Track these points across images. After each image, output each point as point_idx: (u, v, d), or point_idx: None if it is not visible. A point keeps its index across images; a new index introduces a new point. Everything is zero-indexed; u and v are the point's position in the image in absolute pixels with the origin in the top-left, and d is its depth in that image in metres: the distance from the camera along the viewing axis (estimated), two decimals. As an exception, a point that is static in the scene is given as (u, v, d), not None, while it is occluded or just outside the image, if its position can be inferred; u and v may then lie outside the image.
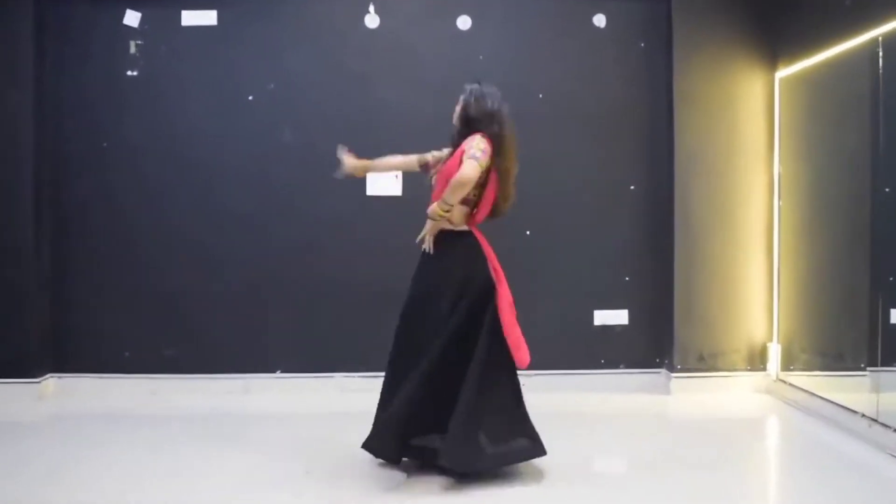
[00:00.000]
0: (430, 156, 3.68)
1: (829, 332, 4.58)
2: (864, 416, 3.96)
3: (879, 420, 3.84)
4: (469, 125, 3.44)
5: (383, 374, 4.61)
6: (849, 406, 4.11)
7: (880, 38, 3.90)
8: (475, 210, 3.47)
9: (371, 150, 4.59)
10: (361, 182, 4.82)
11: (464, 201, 3.40)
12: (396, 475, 3.45)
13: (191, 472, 3.52)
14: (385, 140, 4.78)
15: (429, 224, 3.41)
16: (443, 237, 3.44)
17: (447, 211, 3.32)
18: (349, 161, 3.73)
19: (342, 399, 4.80)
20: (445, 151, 3.58)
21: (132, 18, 4.93)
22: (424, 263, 3.49)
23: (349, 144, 4.65)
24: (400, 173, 4.84)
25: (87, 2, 4.93)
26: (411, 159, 3.75)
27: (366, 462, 3.57)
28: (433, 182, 3.53)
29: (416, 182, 4.37)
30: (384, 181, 4.87)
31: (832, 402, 4.26)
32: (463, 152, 3.33)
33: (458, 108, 3.50)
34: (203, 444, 3.93)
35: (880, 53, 3.91)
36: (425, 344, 3.32)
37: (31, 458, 3.72)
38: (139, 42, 4.95)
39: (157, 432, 4.15)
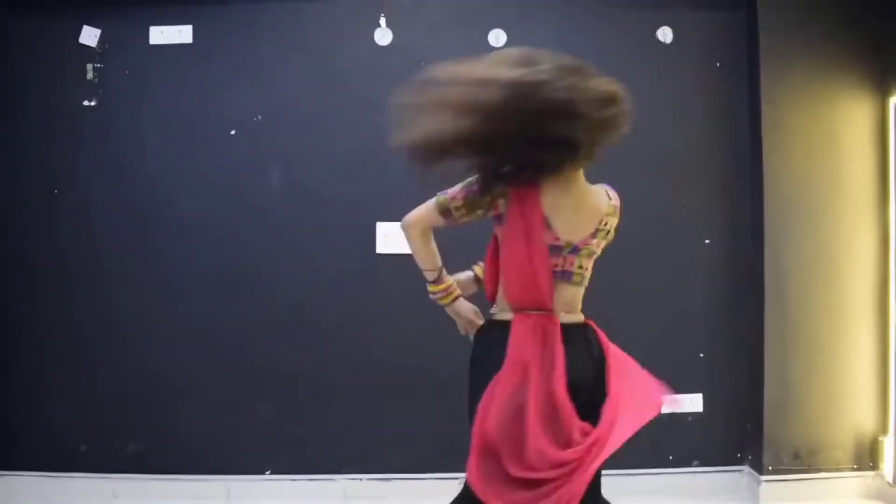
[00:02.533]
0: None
1: None
2: None
3: None
4: None
5: (395, 475, 4.23)
6: None
7: None
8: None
9: (383, 193, 4.17)
10: (370, 237, 4.20)
11: None
12: None
13: None
14: (400, 181, 4.06)
15: None
16: None
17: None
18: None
19: None
20: None
21: (89, 36, 4.25)
22: None
23: (353, 188, 4.22)
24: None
25: (34, 16, 4.29)
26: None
27: None
28: None
29: (443, 235, 3.57)
30: (401, 235, 4.08)
31: None
32: None
33: None
34: None
35: None
36: None
37: None
38: (98, 65, 4.26)
39: None
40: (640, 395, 2.47)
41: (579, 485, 2.19)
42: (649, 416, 2.37)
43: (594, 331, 2.48)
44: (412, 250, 2.55)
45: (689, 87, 4.29)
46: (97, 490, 4.16)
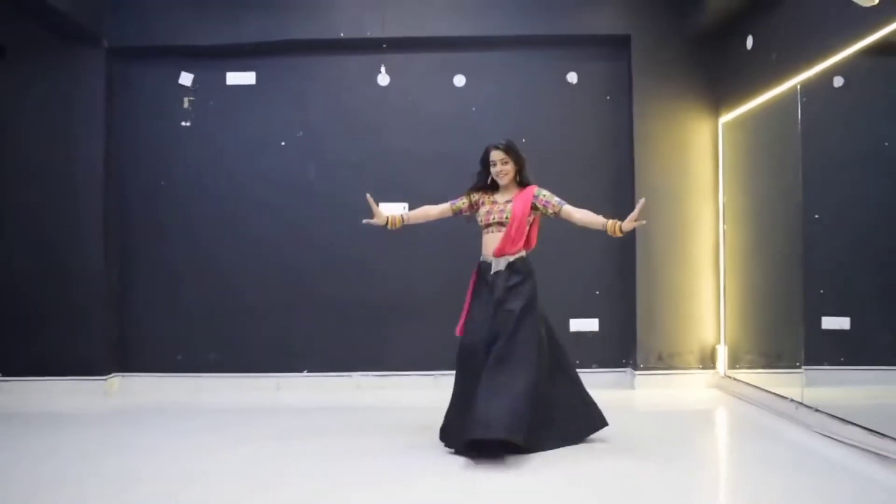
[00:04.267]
0: (462, 203, 3.92)
1: (768, 336, 4.90)
2: (792, 400, 4.32)
3: (804, 403, 4.17)
4: (520, 166, 3.82)
5: (393, 373, 5.21)
6: (782, 394, 4.45)
7: (799, 87, 4.30)
8: (528, 239, 3.90)
9: (382, 184, 5.26)
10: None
11: (522, 234, 3.81)
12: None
13: (230, 447, 3.85)
14: (393, 176, 5.38)
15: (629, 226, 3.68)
16: (519, 261, 3.80)
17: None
18: (380, 218, 3.92)
19: (358, 395, 5.26)
20: (470, 198, 3.91)
21: (186, 79, 5.51)
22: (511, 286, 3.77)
23: (363, 181, 5.25)
24: (406, 205, 5.32)
25: (149, 64, 5.52)
26: (444, 208, 3.97)
27: (370, 445, 3.84)
28: (493, 220, 3.78)
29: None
30: (394, 211, 5.09)
31: (769, 393, 4.62)
32: (534, 196, 3.77)
33: (501, 164, 3.77)
34: (238, 430, 4.23)
35: (799, 99, 4.29)
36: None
37: (101, 437, 4.15)
38: (191, 98, 5.49)
39: (203, 420, 4.52)
40: None
41: None
42: None
43: None
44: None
45: (589, 112, 5.47)
46: (188, 386, 5.32)
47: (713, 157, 5.31)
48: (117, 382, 5.33)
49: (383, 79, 5.36)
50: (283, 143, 5.38)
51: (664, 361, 5.27)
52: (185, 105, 5.38)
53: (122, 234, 5.39)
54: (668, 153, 5.30)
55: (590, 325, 5.38)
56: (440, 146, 5.25)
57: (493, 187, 3.87)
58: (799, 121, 4.22)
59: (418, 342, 5.19)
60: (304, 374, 5.35)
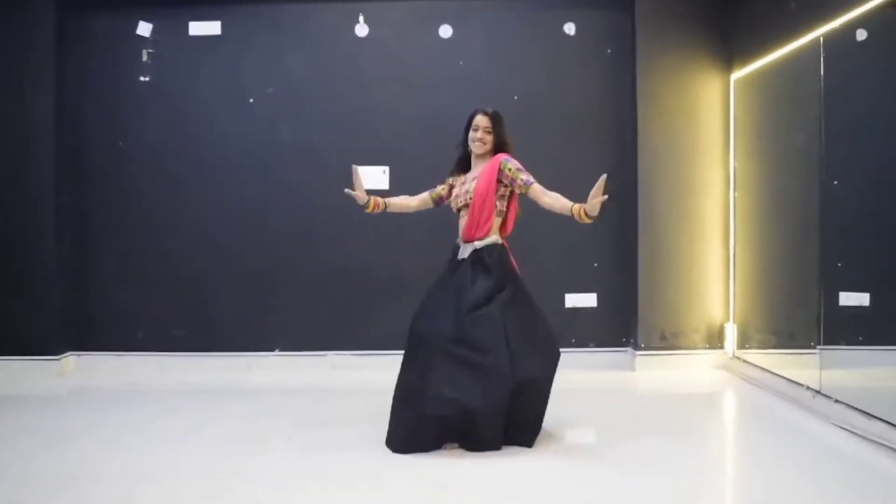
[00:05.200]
0: (441, 189, 3.80)
1: (780, 314, 4.74)
2: (808, 388, 4.13)
3: (822, 392, 4.00)
4: (500, 147, 3.63)
5: (371, 352, 5.06)
6: (796, 380, 4.28)
7: (822, 39, 4.06)
8: (505, 222, 3.68)
9: (362, 146, 5.08)
10: (351, 176, 4.98)
11: (497, 213, 3.60)
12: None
13: (192, 438, 3.70)
14: (374, 137, 5.17)
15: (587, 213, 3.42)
16: (486, 250, 3.57)
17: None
18: (362, 195, 3.75)
19: (334, 375, 5.09)
20: (448, 182, 3.78)
21: (144, 29, 5.24)
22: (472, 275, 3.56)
23: (340, 143, 5.10)
24: (388, 169, 5.13)
25: (104, 14, 5.25)
26: (424, 197, 3.83)
27: (343, 430, 3.76)
28: (461, 204, 3.62)
29: (403, 178, 4.73)
30: (374, 177, 5.11)
31: (782, 377, 4.44)
32: (499, 169, 3.54)
33: (484, 132, 3.59)
34: (208, 412, 4.15)
35: (821, 53, 4.06)
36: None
37: (51, 425, 3.96)
38: (151, 51, 5.24)
39: (164, 405, 4.36)
40: None
41: None
42: None
43: None
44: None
45: (587, 67, 5.24)
46: (150, 365, 5.14)
47: (723, 117, 5.11)
48: (72, 362, 5.15)
49: (361, 29, 5.14)
50: (251, 101, 5.18)
51: (667, 341, 5.09)
52: (144, 58, 5.15)
53: (75, 199, 5.17)
54: (674, 113, 5.09)
55: (587, 300, 5.20)
56: (424, 104, 5.09)
57: (469, 166, 3.71)
58: (822, 77, 3.99)
59: (400, 319, 4.50)
60: (277, 353, 5.19)
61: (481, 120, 3.58)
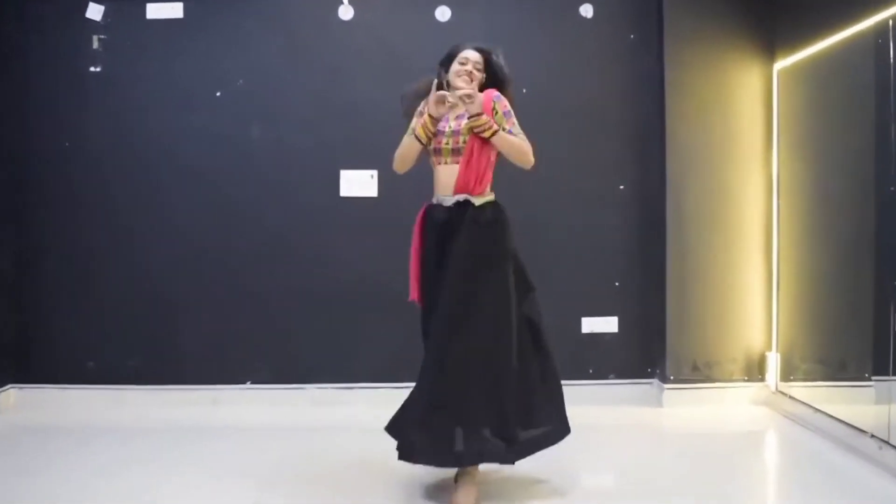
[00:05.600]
0: (414, 125, 3.30)
1: (831, 340, 4.41)
2: (873, 436, 3.72)
3: (892, 442, 3.58)
4: (496, 83, 3.31)
5: (358, 385, 4.83)
6: (855, 423, 3.89)
7: (891, 22, 3.66)
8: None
9: (346, 146, 4.79)
10: (334, 182, 4.80)
11: (490, 165, 3.25)
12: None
13: (150, 493, 3.42)
14: (360, 136, 4.85)
15: (476, 117, 3.10)
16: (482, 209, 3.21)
17: (486, 133, 3.12)
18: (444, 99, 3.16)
19: (315, 412, 4.74)
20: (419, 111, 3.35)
21: (95, 12, 4.86)
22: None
23: (320, 143, 4.82)
24: (376, 173, 4.81)
25: None
26: (410, 143, 3.30)
27: (327, 484, 3.49)
28: (445, 146, 3.21)
29: (394, 184, 4.33)
30: (359, 181, 4.80)
31: (836, 418, 4.08)
32: (493, 100, 3.22)
33: (473, 66, 3.26)
34: (165, 461, 3.87)
35: (890, 38, 3.66)
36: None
37: None
38: (102, 37, 4.86)
39: (119, 446, 4.10)
40: None
41: None
42: None
43: None
44: (508, 152, 3.19)
45: (607, 56, 4.88)
46: (102, 399, 4.77)
47: (765, 113, 4.78)
48: (13, 395, 4.80)
49: (346, 11, 4.80)
50: (218, 94, 4.82)
51: (700, 372, 4.76)
52: (95, 45, 4.79)
53: (17, 209, 4.82)
54: (708, 108, 4.75)
55: (607, 324, 4.88)
56: (419, 98, 4.78)
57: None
58: (890, 65, 3.60)
59: (392, 346, 4.69)
60: (248, 385, 4.84)
61: (472, 54, 3.27)
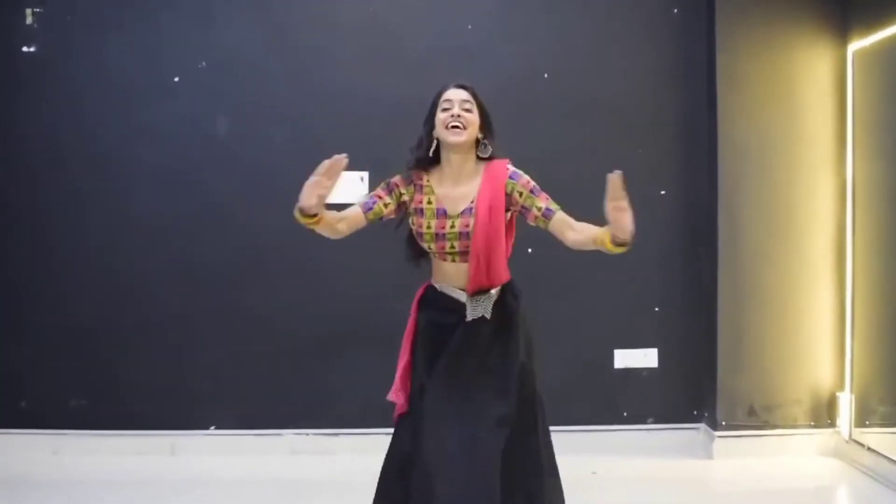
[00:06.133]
0: (384, 203, 2.85)
1: None
2: None
3: None
4: (484, 126, 2.89)
5: (343, 430, 4.53)
6: None
7: None
8: None
9: (331, 143, 4.21)
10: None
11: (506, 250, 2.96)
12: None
13: None
14: (348, 131, 4.55)
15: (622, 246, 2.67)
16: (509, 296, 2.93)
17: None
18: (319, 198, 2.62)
19: (293, 462, 4.51)
20: (397, 192, 2.87)
21: None
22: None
23: (300, 139, 4.47)
24: (367, 175, 4.42)
25: None
26: (355, 216, 2.83)
27: None
28: (449, 236, 2.80)
29: None
30: (346, 188, 4.33)
31: None
32: (508, 179, 2.83)
33: (461, 108, 2.82)
34: None
35: None
36: None
37: None
38: (37, 10, 4.54)
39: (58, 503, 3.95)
40: None
41: None
42: None
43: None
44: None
45: (645, 33, 4.56)
46: (38, 446, 4.43)
47: (838, 105, 4.44)
48: None
49: None
50: (176, 80, 4.47)
51: (758, 416, 4.42)
52: (29, 20, 4.45)
53: None
54: (768, 98, 4.43)
55: (645, 358, 4.57)
56: (418, 85, 3.94)
57: (431, 162, 2.89)
58: None
59: (384, 385, 4.19)
60: (212, 431, 4.49)
61: (455, 93, 2.82)
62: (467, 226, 2.75)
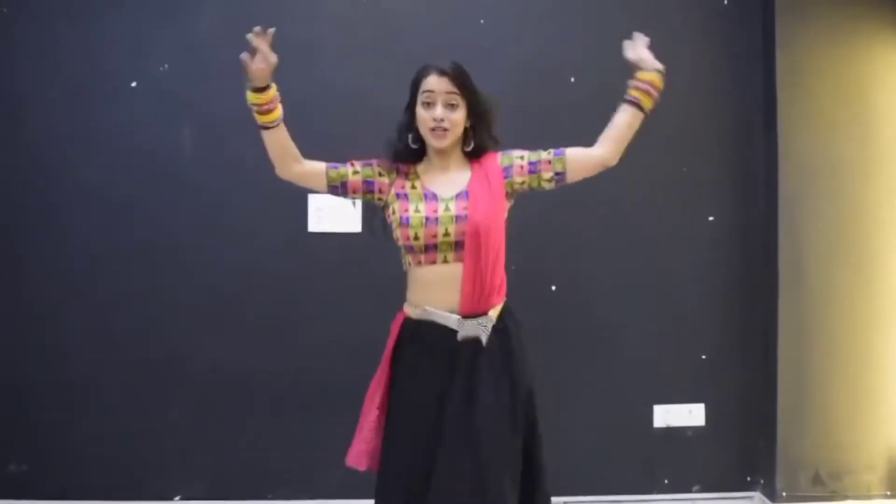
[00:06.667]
0: (354, 170, 2.80)
1: None
2: None
3: None
4: (477, 116, 2.75)
5: (326, 501, 4.19)
6: None
7: None
8: None
9: (322, 151, 3.89)
10: (301, 214, 4.11)
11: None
12: None
13: None
14: (342, 137, 3.96)
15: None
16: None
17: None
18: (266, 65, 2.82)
19: None
20: (374, 167, 2.80)
21: None
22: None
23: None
24: (360, 201, 3.98)
25: None
26: (317, 169, 2.84)
27: None
28: (435, 239, 2.64)
29: None
30: (335, 212, 4.12)
31: None
32: (504, 170, 2.73)
33: (445, 104, 2.67)
34: None
35: None
36: None
37: None
38: None
39: None
40: None
41: None
42: None
43: None
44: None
45: (693, 29, 4.21)
46: None
47: None
48: None
49: None
50: (133, 84, 4.02)
51: (824, 484, 4.01)
52: None
53: None
54: (837, 105, 4.05)
55: (690, 415, 4.17)
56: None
57: (415, 156, 2.78)
58: None
59: None
60: (177, 501, 4.06)
61: (436, 82, 2.67)
62: (465, 208, 2.58)
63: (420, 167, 2.73)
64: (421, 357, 2.68)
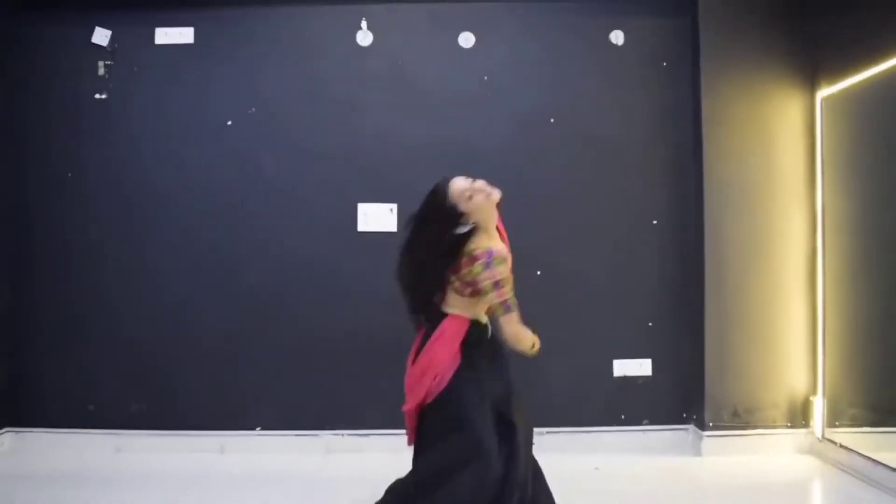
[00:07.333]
0: None
1: (881, 383, 4.44)
2: None
3: None
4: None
5: (373, 431, 4.79)
6: None
7: None
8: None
9: (364, 178, 4.80)
10: (351, 217, 4.81)
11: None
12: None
13: None
14: (379, 168, 4.88)
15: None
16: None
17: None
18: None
19: (329, 461, 4.75)
20: None
21: (101, 37, 4.90)
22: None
23: (336, 176, 4.87)
24: (395, 207, 4.84)
25: (52, 18, 4.91)
26: None
27: None
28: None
29: None
30: (379, 216, 4.81)
31: (888, 466, 4.09)
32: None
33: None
34: None
35: None
36: None
37: None
38: (108, 62, 4.91)
39: (118, 496, 4.08)
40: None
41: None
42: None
43: None
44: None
45: (638, 84, 4.88)
46: (102, 445, 4.78)
47: (809, 145, 4.77)
48: (7, 440, 4.80)
49: (364, 37, 4.83)
50: (229, 123, 4.83)
51: (740, 418, 4.70)
52: (101, 71, 4.83)
53: (14, 242, 4.84)
54: (747, 139, 4.75)
55: (640, 367, 4.87)
56: (440, 128, 4.81)
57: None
58: None
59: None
60: (257, 432, 4.80)
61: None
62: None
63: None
64: (477, 351, 3.30)
